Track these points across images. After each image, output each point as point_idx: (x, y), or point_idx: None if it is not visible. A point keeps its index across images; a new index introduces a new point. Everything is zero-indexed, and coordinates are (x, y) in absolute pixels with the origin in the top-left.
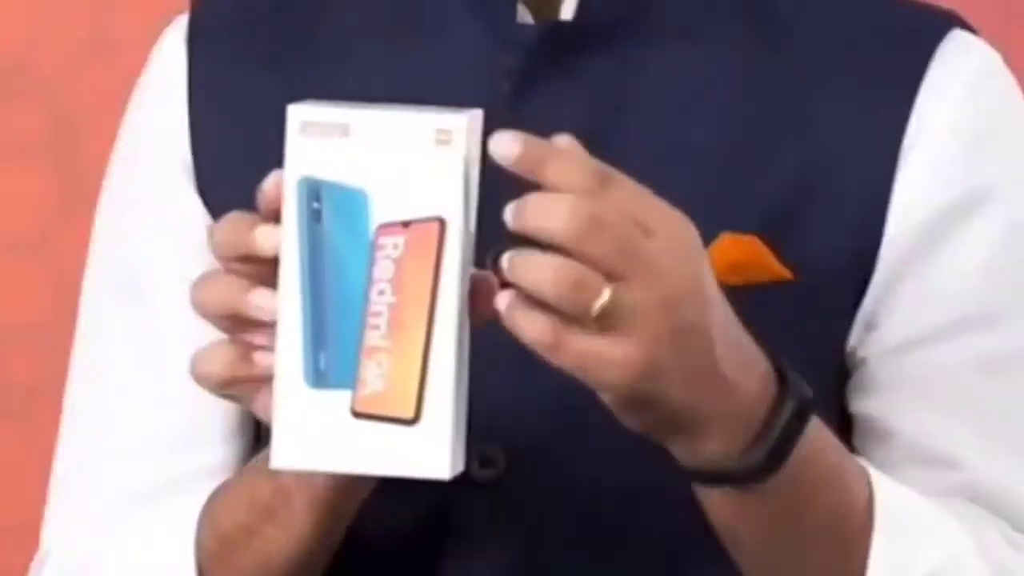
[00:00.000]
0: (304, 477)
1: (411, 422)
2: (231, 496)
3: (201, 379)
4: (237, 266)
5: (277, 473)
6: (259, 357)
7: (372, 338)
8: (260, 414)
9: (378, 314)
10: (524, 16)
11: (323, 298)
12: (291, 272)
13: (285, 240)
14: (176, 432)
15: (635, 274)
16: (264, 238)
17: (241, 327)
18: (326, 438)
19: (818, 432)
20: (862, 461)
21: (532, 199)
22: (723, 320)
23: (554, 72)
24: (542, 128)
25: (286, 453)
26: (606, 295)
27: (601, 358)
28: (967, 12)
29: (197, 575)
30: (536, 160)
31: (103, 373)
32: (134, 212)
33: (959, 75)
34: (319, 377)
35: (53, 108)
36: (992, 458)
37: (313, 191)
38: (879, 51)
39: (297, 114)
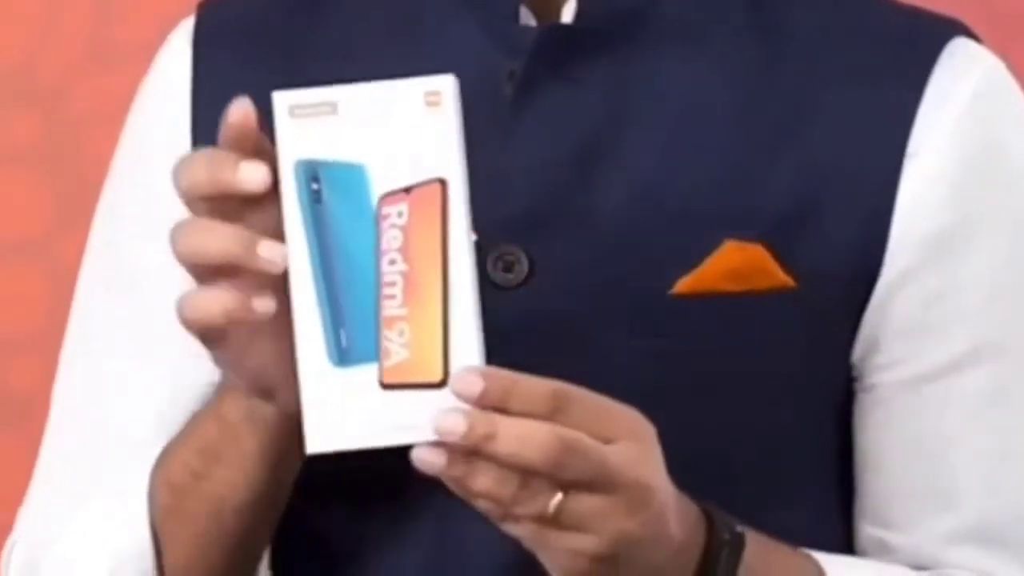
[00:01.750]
0: (253, 412)
1: (440, 385)
2: (180, 445)
3: (192, 324)
4: (206, 206)
5: (223, 414)
6: (259, 303)
7: (389, 308)
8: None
9: (392, 284)
10: (527, 19)
11: (335, 277)
12: (300, 256)
13: (289, 225)
14: (166, 426)
15: (595, 482)
16: (250, 174)
17: (231, 276)
18: (358, 414)
19: (757, 556)
20: (810, 553)
21: (505, 429)
22: (668, 488)
23: (555, 76)
24: (543, 133)
25: (321, 436)
26: (557, 499)
27: (559, 546)
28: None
29: (151, 531)
30: (500, 392)
31: (92, 365)
32: (133, 210)
33: (963, 83)
34: (342, 355)
35: (53, 115)
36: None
37: (310, 172)
38: (882, 58)
39: (283, 99)
